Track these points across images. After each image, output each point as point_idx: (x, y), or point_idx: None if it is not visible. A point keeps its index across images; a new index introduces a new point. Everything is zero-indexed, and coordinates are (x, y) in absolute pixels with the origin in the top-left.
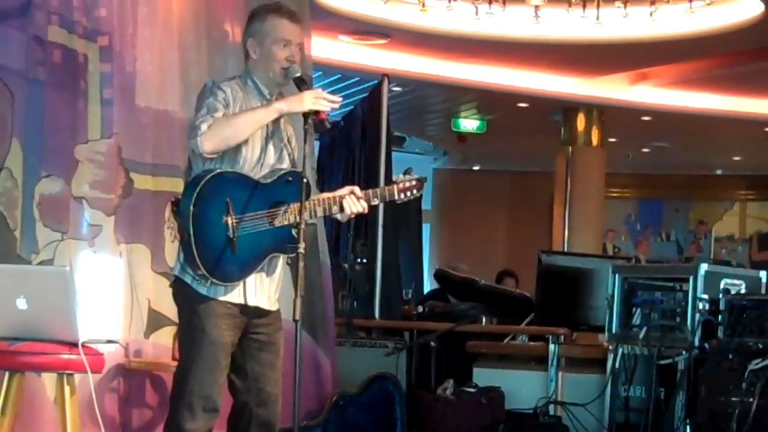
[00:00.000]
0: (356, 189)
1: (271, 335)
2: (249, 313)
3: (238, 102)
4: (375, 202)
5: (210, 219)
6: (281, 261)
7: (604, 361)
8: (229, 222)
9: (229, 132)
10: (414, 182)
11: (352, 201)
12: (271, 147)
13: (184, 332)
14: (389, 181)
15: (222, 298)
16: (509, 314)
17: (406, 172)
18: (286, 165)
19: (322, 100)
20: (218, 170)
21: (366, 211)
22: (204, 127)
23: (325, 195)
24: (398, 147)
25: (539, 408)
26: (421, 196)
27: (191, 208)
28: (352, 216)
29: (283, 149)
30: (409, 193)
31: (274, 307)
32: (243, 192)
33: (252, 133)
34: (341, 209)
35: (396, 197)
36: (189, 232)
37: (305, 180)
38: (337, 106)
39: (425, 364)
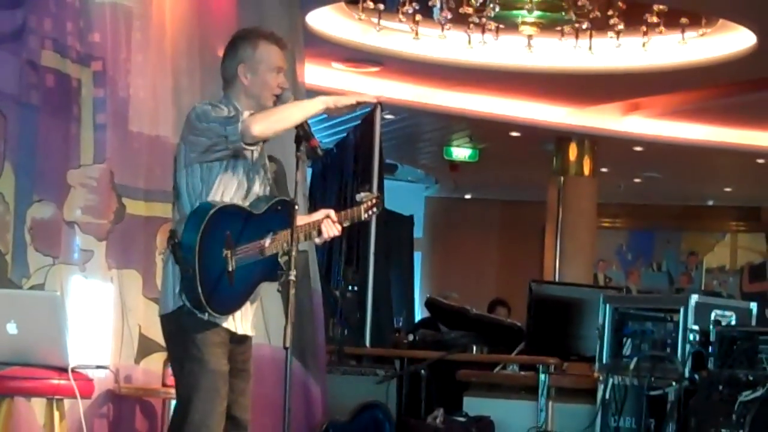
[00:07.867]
0: (332, 213)
1: (245, 362)
2: (234, 341)
3: None
4: (346, 224)
5: (212, 253)
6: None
7: (594, 391)
8: (229, 255)
9: (277, 116)
10: (374, 200)
11: (329, 225)
12: (255, 176)
13: (182, 363)
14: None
15: (216, 327)
16: (500, 343)
17: (362, 190)
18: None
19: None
20: (219, 205)
21: (340, 233)
22: (246, 114)
23: (304, 221)
24: (390, 175)
25: None
26: (413, 224)
27: (198, 242)
28: (328, 240)
29: (264, 179)
30: (371, 212)
31: (252, 333)
32: (238, 224)
33: (300, 122)
34: (319, 233)
35: (363, 216)
36: (194, 268)
37: (296, 207)
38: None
39: (415, 392)
